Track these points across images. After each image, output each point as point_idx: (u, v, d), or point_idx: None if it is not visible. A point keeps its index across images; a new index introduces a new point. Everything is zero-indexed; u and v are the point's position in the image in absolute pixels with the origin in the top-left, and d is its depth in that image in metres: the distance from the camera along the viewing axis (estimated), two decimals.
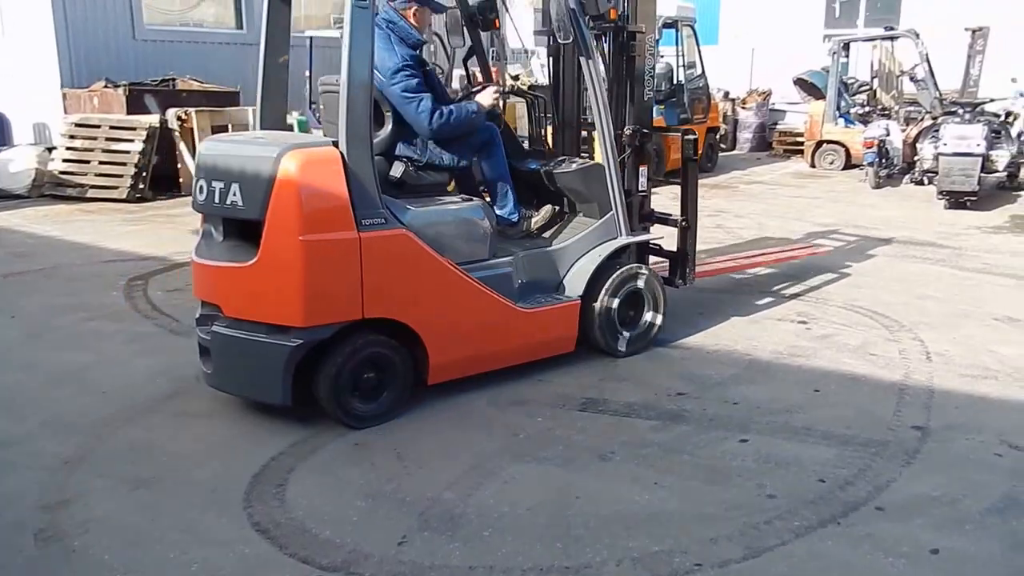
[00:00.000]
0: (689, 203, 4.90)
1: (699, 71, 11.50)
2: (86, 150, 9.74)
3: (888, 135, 10.77)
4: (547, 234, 4.64)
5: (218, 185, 3.60)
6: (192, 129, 9.89)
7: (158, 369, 4.37)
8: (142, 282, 6.08)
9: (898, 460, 3.36)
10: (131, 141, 9.65)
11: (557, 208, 4.78)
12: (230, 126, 10.55)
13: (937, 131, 9.53)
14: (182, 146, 10.00)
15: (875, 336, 4.85)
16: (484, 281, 3.99)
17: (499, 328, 4.10)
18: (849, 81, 13.14)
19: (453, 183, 4.54)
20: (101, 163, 9.66)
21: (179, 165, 10.03)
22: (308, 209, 3.45)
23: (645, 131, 4.75)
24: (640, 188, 4.78)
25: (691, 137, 4.88)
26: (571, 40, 4.28)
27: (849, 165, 12.12)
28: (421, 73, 4.12)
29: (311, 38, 12.92)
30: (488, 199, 4.51)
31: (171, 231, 7.96)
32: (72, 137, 9.84)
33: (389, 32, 4.09)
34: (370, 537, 2.85)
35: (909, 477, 3.24)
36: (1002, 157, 9.47)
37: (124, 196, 9.43)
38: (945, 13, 15.89)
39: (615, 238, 4.49)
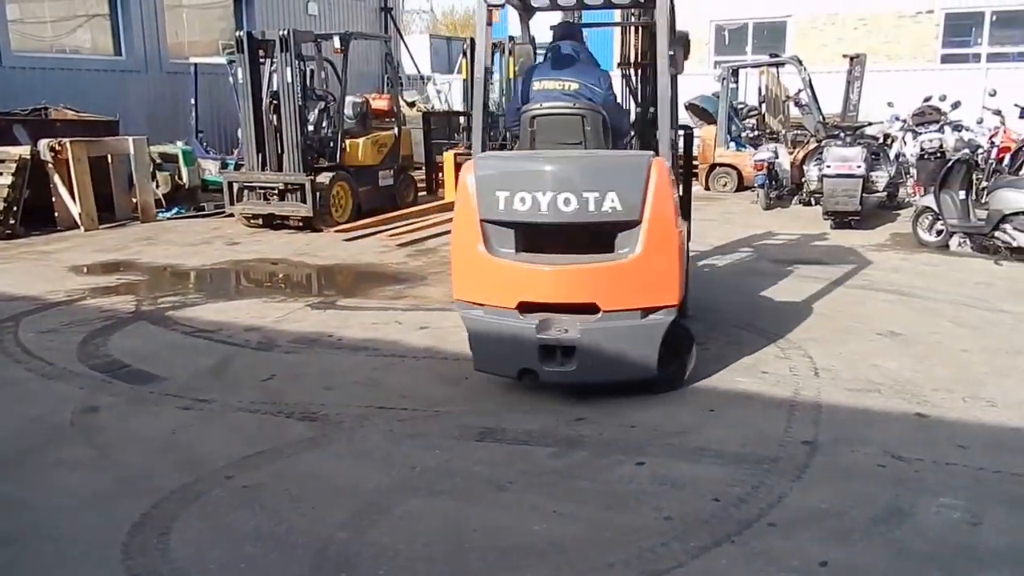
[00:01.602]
0: (685, 189, 5.66)
1: None
2: None
3: (777, 158, 11.17)
4: None
5: (591, 195, 3.99)
6: (67, 160, 9.46)
7: (29, 416, 4.12)
8: (12, 324, 5.76)
9: (789, 475, 3.43)
10: None
11: None
12: (110, 156, 10.16)
13: (822, 154, 9.95)
14: (56, 178, 9.55)
15: (767, 354, 4.97)
16: None
17: None
18: (739, 106, 13.61)
19: None
20: None
21: (54, 198, 9.57)
22: (675, 206, 4.19)
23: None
24: None
25: (689, 131, 5.86)
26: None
27: (741, 187, 12.53)
28: None
29: (195, 65, 12.62)
30: None
31: (45, 269, 7.58)
32: None
33: (585, 59, 4.82)
34: None
35: (799, 492, 3.30)
36: (881, 178, 9.96)
37: None
38: (826, 41, 16.73)
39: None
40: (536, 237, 4.18)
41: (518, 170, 4.18)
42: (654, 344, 4.13)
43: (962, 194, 7.79)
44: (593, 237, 4.16)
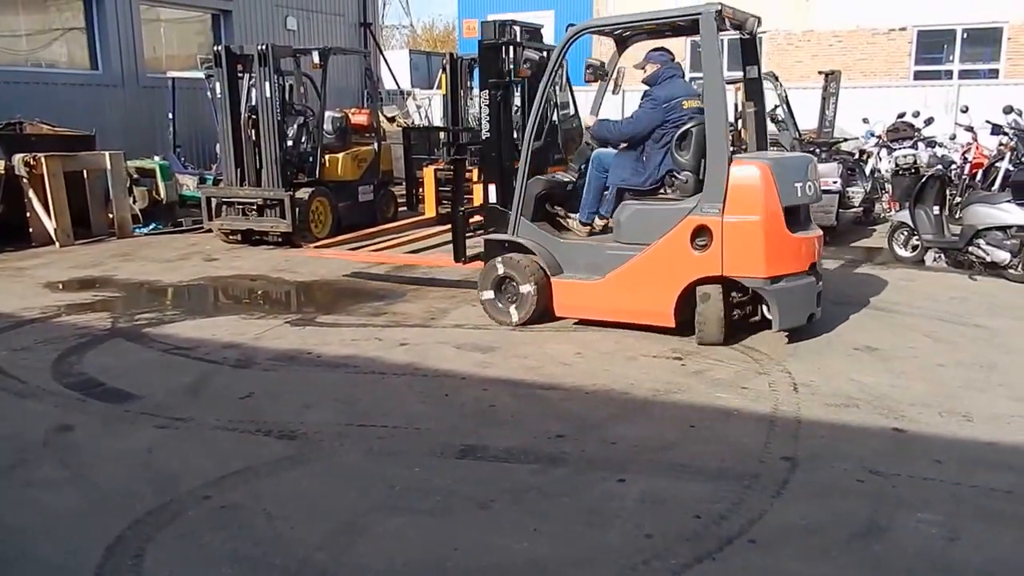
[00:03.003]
0: None
1: (572, 111, 11.74)
2: None
3: None
4: None
5: (816, 183, 5.63)
6: (42, 175, 9.35)
7: (1, 435, 4.04)
8: None
9: (769, 491, 3.44)
10: None
11: None
12: (86, 171, 10.07)
13: None
14: (31, 194, 9.44)
15: (746, 370, 4.99)
16: None
17: None
18: None
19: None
20: None
21: (28, 214, 9.44)
22: None
23: None
24: None
25: None
26: None
27: None
28: None
29: (173, 79, 12.54)
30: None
31: (20, 285, 7.47)
32: None
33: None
34: None
35: (779, 508, 3.31)
36: (857, 194, 10.05)
37: None
38: (802, 57, 16.92)
39: None
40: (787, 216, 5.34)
41: (796, 165, 5.60)
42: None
43: (936, 209, 7.90)
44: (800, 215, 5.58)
